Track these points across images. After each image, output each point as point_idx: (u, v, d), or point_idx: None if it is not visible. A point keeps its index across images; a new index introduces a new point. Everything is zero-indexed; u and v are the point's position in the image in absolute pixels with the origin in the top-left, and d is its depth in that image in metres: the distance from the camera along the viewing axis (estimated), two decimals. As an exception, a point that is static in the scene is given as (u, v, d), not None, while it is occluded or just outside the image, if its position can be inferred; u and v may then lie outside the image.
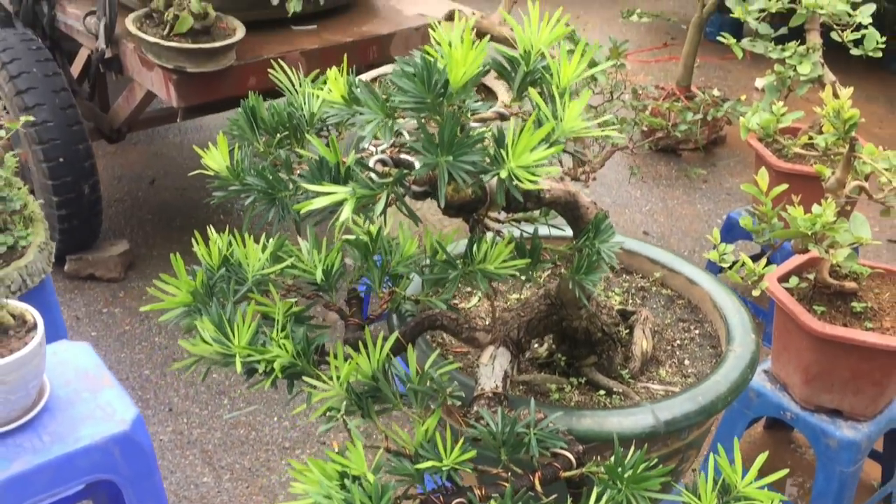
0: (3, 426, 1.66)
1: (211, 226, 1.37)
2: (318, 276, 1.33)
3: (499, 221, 1.27)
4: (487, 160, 1.00)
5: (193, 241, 1.31)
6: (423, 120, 1.01)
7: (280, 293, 1.30)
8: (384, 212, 1.08)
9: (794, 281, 2.19)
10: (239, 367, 1.17)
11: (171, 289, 1.28)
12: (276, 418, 2.66)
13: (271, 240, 1.34)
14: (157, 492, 1.82)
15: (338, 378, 1.16)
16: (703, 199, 3.94)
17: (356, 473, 1.08)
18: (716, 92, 3.88)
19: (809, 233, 1.91)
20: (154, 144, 4.23)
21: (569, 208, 1.24)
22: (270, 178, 1.20)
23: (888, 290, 2.20)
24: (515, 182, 0.97)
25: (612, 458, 1.10)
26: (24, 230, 2.14)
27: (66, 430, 1.71)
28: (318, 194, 1.06)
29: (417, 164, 1.11)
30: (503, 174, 0.96)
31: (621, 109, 3.02)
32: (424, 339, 1.45)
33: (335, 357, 1.18)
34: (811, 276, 2.19)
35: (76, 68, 3.27)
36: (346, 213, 1.04)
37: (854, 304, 2.11)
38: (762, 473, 1.15)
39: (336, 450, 1.12)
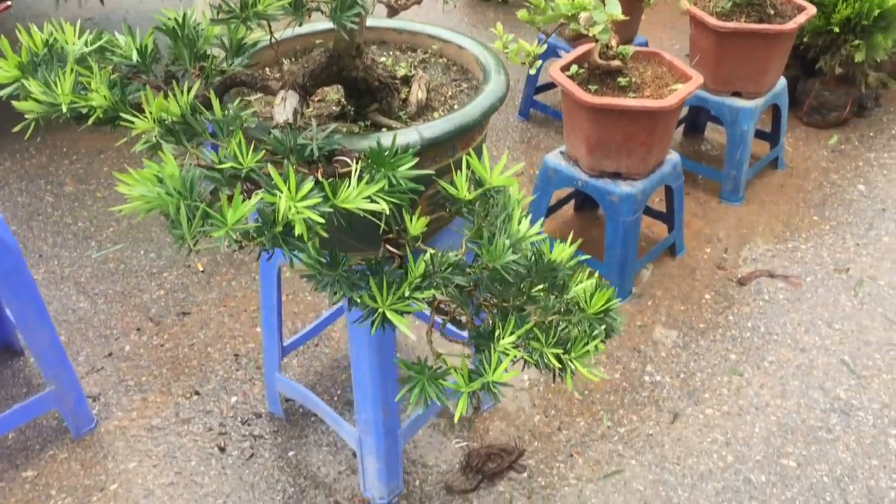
0: None
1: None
2: (134, 56, 1.59)
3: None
4: None
5: (17, 33, 1.55)
6: None
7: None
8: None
9: (574, 69, 2.56)
10: (65, 110, 1.43)
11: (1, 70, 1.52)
12: (142, 252, 2.91)
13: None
14: (29, 287, 2.06)
15: (150, 114, 1.44)
16: (530, 37, 4.28)
17: (169, 174, 1.37)
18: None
19: (570, 14, 2.26)
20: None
21: (329, -34, 1.52)
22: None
23: (651, 69, 2.59)
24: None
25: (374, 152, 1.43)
26: None
27: (-67, 236, 1.93)
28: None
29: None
30: None
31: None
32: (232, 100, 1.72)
33: (146, 102, 1.46)
34: (587, 64, 2.56)
35: None
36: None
37: (620, 79, 2.50)
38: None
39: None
